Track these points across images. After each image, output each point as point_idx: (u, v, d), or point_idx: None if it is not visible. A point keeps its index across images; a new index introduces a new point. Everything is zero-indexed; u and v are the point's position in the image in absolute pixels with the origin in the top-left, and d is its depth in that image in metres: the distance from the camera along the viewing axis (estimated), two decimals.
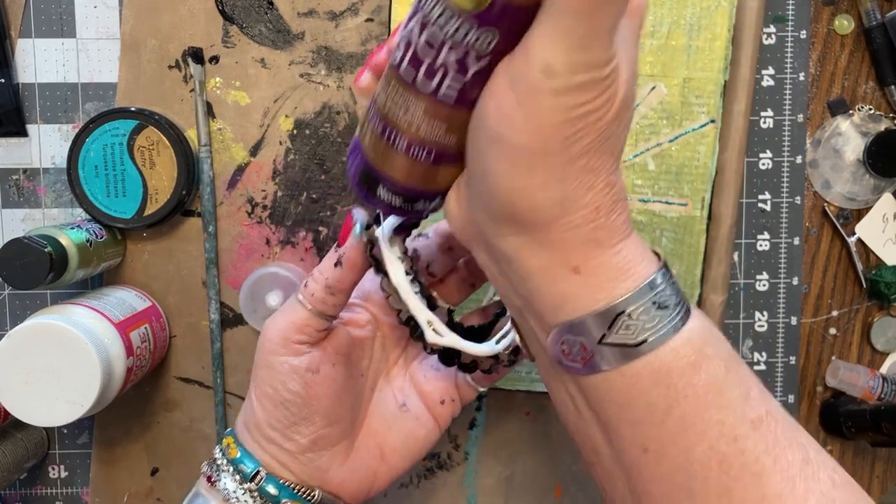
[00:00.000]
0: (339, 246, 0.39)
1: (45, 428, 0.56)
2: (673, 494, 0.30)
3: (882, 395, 0.55)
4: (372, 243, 0.38)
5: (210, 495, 0.40)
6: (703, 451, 0.29)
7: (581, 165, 0.29)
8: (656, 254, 0.33)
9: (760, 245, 0.57)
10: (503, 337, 0.41)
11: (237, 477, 0.39)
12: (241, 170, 0.55)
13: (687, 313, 0.31)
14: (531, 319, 0.33)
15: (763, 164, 0.57)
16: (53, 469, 0.57)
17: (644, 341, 0.30)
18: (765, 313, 0.57)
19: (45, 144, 0.55)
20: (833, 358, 0.58)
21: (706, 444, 0.29)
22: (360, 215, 0.39)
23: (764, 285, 0.57)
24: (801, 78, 0.56)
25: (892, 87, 0.56)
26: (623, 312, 0.30)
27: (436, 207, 0.35)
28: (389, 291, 0.39)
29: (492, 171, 0.30)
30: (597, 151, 0.29)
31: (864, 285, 0.57)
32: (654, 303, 0.30)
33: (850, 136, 0.57)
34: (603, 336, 0.30)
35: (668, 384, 0.30)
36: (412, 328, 0.39)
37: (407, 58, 0.30)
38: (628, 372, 0.30)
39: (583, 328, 0.30)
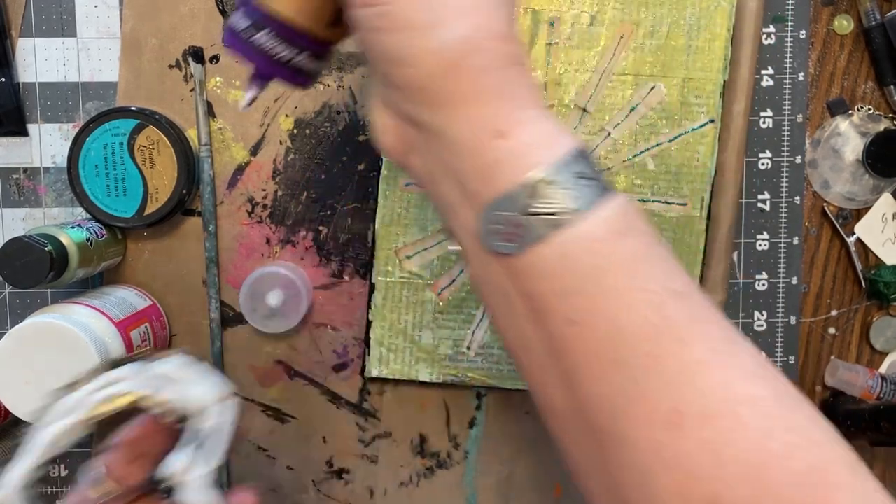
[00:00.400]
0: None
1: None
2: (602, 367, 0.30)
3: (881, 395, 0.55)
4: None
5: None
6: (631, 319, 0.29)
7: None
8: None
9: (760, 245, 0.57)
10: None
11: None
12: (241, 169, 0.55)
13: (609, 189, 0.31)
14: (467, 211, 0.32)
15: (762, 164, 0.57)
16: (54, 468, 0.57)
17: (575, 209, 0.30)
18: (764, 313, 0.58)
19: (46, 144, 0.55)
20: (832, 357, 0.58)
21: (633, 312, 0.29)
22: None
23: (763, 285, 0.57)
24: (801, 78, 0.56)
25: (892, 87, 0.56)
26: (551, 182, 0.30)
27: (315, 70, 0.36)
28: None
29: (383, 41, 0.31)
30: None
31: (864, 285, 0.58)
32: (579, 173, 0.30)
33: (849, 136, 0.57)
34: (531, 206, 0.30)
35: (596, 252, 0.30)
36: None
37: None
38: (557, 242, 0.30)
39: (512, 201, 0.30)
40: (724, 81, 0.53)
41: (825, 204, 0.57)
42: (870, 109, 0.57)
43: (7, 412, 0.50)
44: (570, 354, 0.30)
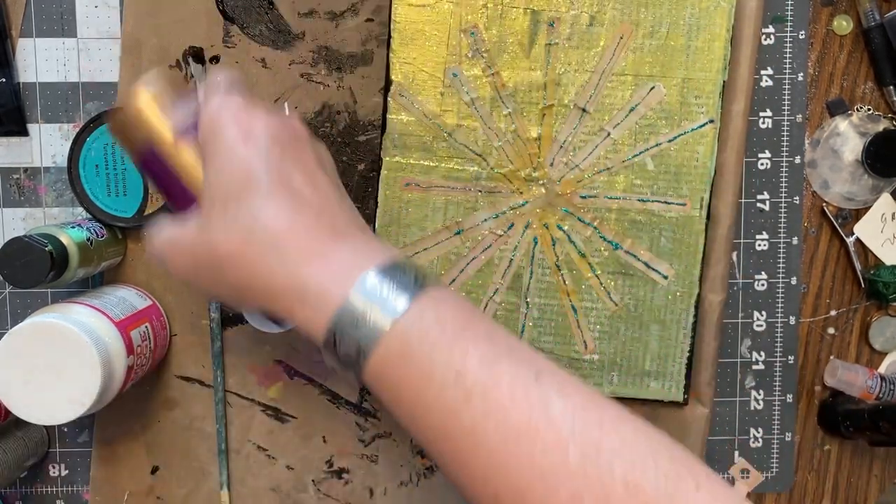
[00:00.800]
0: None
1: (45, 426, 0.56)
2: (440, 434, 0.35)
3: (880, 395, 0.55)
4: None
5: None
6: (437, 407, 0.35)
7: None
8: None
9: (759, 245, 0.57)
10: None
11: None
12: None
13: (410, 298, 0.36)
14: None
15: (762, 164, 0.57)
16: (54, 467, 0.57)
17: (360, 352, 0.36)
18: (763, 313, 0.58)
19: (46, 144, 0.55)
20: (831, 357, 0.58)
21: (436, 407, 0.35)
22: None
23: (762, 285, 0.57)
24: (800, 78, 0.56)
25: (891, 87, 0.56)
26: (335, 333, 0.36)
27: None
28: None
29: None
30: None
31: (863, 285, 0.58)
32: (354, 320, 0.35)
33: (848, 136, 0.57)
34: (335, 355, 0.36)
35: (385, 379, 0.36)
36: None
37: None
38: (365, 372, 0.36)
39: (327, 350, 0.37)
40: (724, 82, 0.53)
41: (824, 204, 0.57)
42: (869, 110, 0.57)
43: (7, 412, 0.50)
44: (419, 434, 0.36)
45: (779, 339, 0.58)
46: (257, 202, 0.37)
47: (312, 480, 0.57)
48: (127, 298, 0.52)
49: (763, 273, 0.57)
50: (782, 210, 0.57)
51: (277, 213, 0.37)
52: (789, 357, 0.58)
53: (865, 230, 0.57)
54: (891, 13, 0.55)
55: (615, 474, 0.32)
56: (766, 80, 0.56)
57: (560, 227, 0.54)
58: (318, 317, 0.36)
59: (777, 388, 0.58)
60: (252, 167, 0.38)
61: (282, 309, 0.37)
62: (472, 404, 0.34)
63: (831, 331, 0.58)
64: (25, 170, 0.55)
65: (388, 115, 0.53)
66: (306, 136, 0.41)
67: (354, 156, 0.55)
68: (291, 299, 0.37)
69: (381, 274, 0.36)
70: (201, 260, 0.39)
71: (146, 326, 0.51)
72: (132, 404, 0.56)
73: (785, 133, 0.57)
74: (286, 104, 0.53)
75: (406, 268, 0.37)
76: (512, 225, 0.54)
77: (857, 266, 0.57)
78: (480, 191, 0.53)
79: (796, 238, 0.57)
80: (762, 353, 0.58)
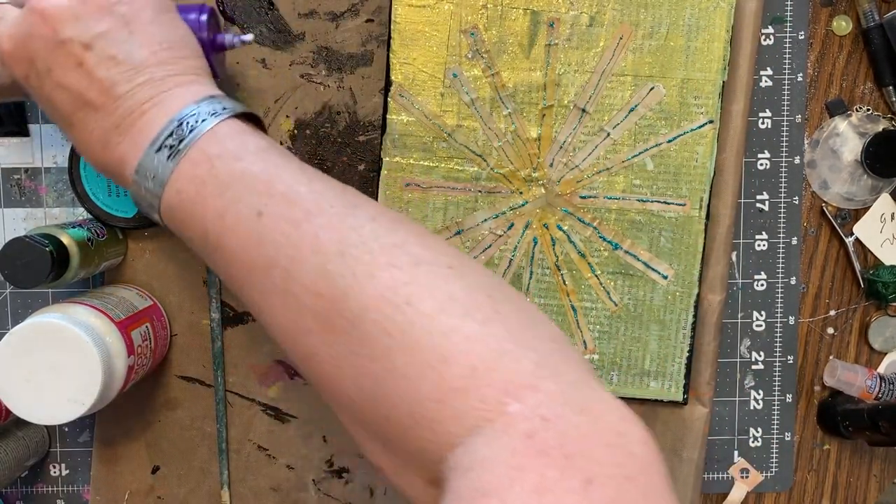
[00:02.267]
0: None
1: (46, 426, 0.56)
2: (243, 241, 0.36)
3: (880, 395, 0.55)
4: None
5: None
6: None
7: None
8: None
9: (758, 245, 0.57)
10: None
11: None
12: None
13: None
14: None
15: (761, 165, 0.57)
16: (54, 467, 0.57)
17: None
18: (763, 313, 0.58)
19: (47, 144, 0.55)
20: (831, 357, 0.58)
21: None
22: None
23: (762, 285, 0.58)
24: (800, 79, 0.56)
25: (891, 87, 0.56)
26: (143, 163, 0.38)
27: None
28: None
29: None
30: None
31: (862, 285, 0.58)
32: (156, 150, 0.38)
33: (848, 136, 0.57)
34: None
35: (193, 201, 0.37)
36: None
37: None
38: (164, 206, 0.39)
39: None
40: (723, 82, 0.53)
41: (824, 204, 0.58)
42: (868, 110, 0.57)
43: (7, 412, 0.50)
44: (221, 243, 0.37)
45: (778, 339, 0.58)
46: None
47: (313, 480, 0.57)
48: (127, 298, 0.52)
49: (762, 273, 0.58)
50: (782, 210, 0.57)
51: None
52: (789, 357, 0.58)
53: (865, 230, 0.57)
54: (890, 14, 0.55)
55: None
56: (766, 81, 0.56)
57: (560, 228, 0.54)
58: (139, 136, 0.39)
59: (776, 388, 0.58)
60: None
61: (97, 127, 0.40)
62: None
63: (831, 331, 0.58)
64: (26, 170, 0.55)
65: (389, 116, 0.53)
66: None
67: (354, 156, 0.55)
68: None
69: (197, 103, 0.39)
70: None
71: (147, 326, 0.52)
72: (133, 404, 0.56)
73: (784, 133, 0.57)
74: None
75: (219, 100, 0.39)
76: (512, 225, 0.54)
77: (857, 266, 0.57)
78: (480, 191, 0.53)
79: (796, 238, 0.57)
80: (762, 353, 0.58)
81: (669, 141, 0.53)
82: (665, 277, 0.54)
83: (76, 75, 0.39)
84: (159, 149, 0.38)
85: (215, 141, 0.38)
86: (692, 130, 0.53)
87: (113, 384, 0.47)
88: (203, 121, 0.38)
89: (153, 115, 0.39)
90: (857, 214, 0.57)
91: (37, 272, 0.46)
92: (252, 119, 0.41)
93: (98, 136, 0.40)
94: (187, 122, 0.38)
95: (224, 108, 0.39)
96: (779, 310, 0.58)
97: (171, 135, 0.38)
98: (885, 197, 0.57)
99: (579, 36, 0.52)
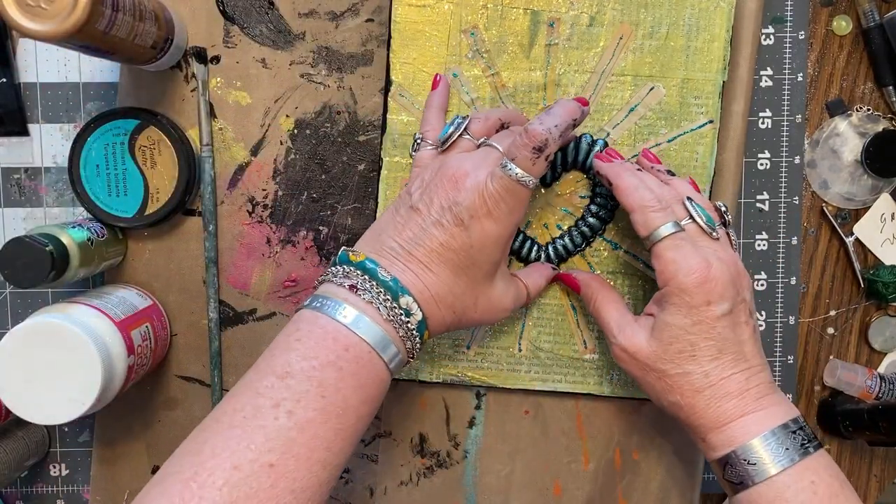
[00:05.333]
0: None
1: (46, 426, 0.56)
2: None
3: (880, 395, 0.55)
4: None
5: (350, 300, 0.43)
6: None
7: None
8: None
9: (759, 245, 0.57)
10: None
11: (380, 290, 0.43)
12: (241, 169, 0.55)
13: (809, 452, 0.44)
14: (705, 448, 0.47)
15: (761, 165, 0.57)
16: (54, 467, 0.57)
17: (743, 482, 0.44)
18: (763, 313, 0.58)
19: (47, 144, 0.55)
20: (831, 357, 0.58)
21: None
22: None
23: (762, 285, 0.58)
24: (800, 78, 0.56)
25: (890, 87, 0.56)
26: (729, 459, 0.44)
27: None
28: None
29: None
30: None
31: (862, 285, 0.58)
32: (747, 459, 0.44)
33: (848, 136, 0.57)
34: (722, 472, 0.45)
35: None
36: None
37: None
38: (737, 497, 0.45)
39: (717, 466, 0.46)
40: (723, 82, 0.53)
41: (824, 204, 0.58)
42: (868, 110, 0.57)
43: (8, 412, 0.50)
44: None
45: (778, 339, 0.58)
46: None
47: None
48: (127, 298, 0.52)
49: (763, 273, 0.58)
50: (782, 210, 0.57)
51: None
52: (789, 357, 0.58)
53: (865, 230, 0.57)
54: (890, 13, 0.55)
55: None
56: (766, 81, 0.56)
57: (560, 227, 0.54)
58: (721, 443, 0.45)
59: None
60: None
61: (697, 421, 0.46)
62: None
63: (831, 331, 0.58)
64: (26, 170, 0.55)
65: (389, 116, 0.53)
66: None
67: (354, 156, 0.55)
68: (710, 424, 0.45)
69: (779, 430, 0.44)
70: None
71: (146, 326, 0.52)
72: (133, 404, 0.56)
73: (784, 133, 0.57)
74: None
75: (800, 429, 0.44)
76: None
77: (857, 266, 0.57)
78: None
79: (796, 238, 0.57)
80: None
81: (669, 141, 0.53)
82: None
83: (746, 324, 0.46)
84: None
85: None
86: (692, 130, 0.53)
87: (113, 384, 0.47)
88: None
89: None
90: (857, 214, 0.57)
91: (37, 272, 0.46)
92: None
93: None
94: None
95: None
96: (779, 310, 0.58)
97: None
98: (885, 197, 0.57)
99: (579, 36, 0.52)
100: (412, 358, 0.44)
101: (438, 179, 0.45)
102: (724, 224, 0.48)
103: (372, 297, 0.42)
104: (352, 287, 0.42)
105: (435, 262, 0.44)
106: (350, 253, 0.44)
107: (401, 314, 0.42)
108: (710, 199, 0.53)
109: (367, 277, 0.43)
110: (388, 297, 0.42)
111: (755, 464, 0.43)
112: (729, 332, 0.45)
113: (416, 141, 0.50)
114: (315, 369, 0.39)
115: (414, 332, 0.43)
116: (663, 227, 0.46)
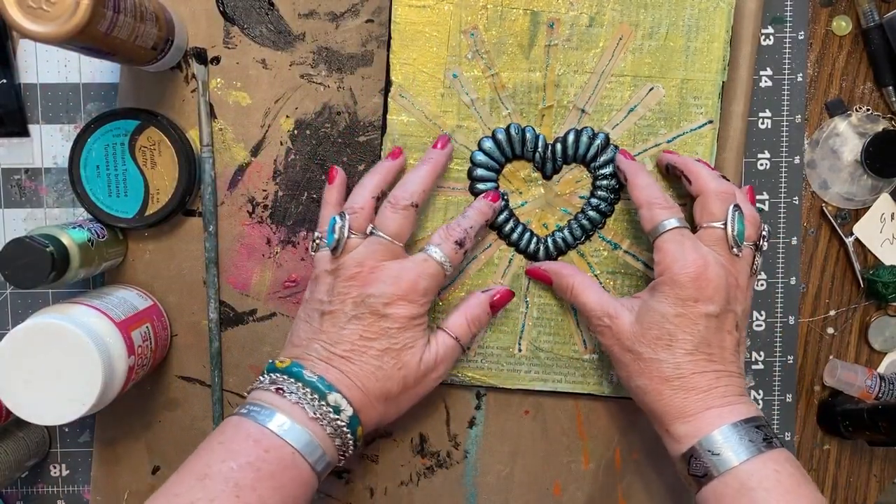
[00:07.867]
0: None
1: (46, 427, 0.56)
2: None
3: (879, 395, 0.55)
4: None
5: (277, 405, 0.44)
6: None
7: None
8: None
9: None
10: None
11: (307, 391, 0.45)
12: (241, 170, 0.55)
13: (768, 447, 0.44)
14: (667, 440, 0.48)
15: (761, 165, 0.57)
16: (55, 467, 0.57)
17: (707, 473, 0.44)
18: (763, 313, 0.58)
19: (47, 144, 0.55)
20: (831, 357, 0.58)
21: None
22: None
23: (762, 285, 0.58)
24: (799, 79, 0.57)
25: (890, 87, 0.56)
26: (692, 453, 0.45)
27: None
28: None
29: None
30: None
31: (862, 285, 0.58)
32: (710, 450, 0.44)
33: (847, 136, 0.57)
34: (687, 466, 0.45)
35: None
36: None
37: None
38: (702, 490, 0.45)
39: (681, 462, 0.46)
40: (723, 82, 0.53)
41: (824, 204, 0.58)
42: (868, 110, 0.57)
43: (8, 412, 0.50)
44: None
45: (778, 339, 0.58)
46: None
47: None
48: (128, 299, 0.52)
49: (762, 273, 0.58)
50: (781, 210, 0.57)
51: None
52: (789, 357, 0.58)
53: (864, 230, 0.57)
54: (890, 14, 0.55)
55: None
56: (766, 81, 0.56)
57: (559, 227, 0.54)
58: (685, 434, 0.45)
59: (776, 388, 0.58)
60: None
61: (661, 413, 0.47)
62: None
63: (830, 331, 0.58)
64: (26, 170, 0.55)
65: (389, 116, 0.53)
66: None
67: (354, 156, 0.55)
68: (673, 414, 0.46)
69: (742, 424, 0.44)
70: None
71: (147, 327, 0.52)
72: (133, 404, 0.56)
73: (784, 133, 0.57)
74: None
75: (764, 426, 0.45)
76: None
77: (857, 266, 0.57)
78: None
79: (795, 238, 0.57)
80: (762, 353, 0.58)
81: (669, 141, 0.53)
82: None
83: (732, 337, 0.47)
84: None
85: None
86: (692, 131, 0.53)
87: (113, 384, 0.47)
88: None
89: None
90: (857, 214, 0.57)
91: (37, 273, 0.46)
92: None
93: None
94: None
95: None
96: (779, 310, 0.58)
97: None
98: (884, 197, 0.57)
99: (579, 36, 0.52)
100: (344, 456, 0.46)
101: (345, 280, 0.47)
102: (756, 248, 0.49)
103: (298, 397, 0.44)
104: (278, 390, 0.44)
105: (357, 354, 0.46)
106: (277, 361, 0.46)
107: (329, 412, 0.44)
108: None
109: (293, 380, 0.45)
110: (316, 397, 0.44)
111: (719, 454, 0.43)
112: (711, 334, 0.45)
113: (314, 241, 0.51)
114: (233, 470, 0.41)
115: (345, 428, 0.45)
116: (667, 222, 0.47)
